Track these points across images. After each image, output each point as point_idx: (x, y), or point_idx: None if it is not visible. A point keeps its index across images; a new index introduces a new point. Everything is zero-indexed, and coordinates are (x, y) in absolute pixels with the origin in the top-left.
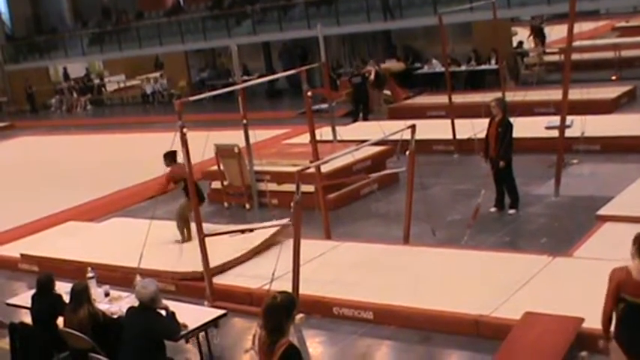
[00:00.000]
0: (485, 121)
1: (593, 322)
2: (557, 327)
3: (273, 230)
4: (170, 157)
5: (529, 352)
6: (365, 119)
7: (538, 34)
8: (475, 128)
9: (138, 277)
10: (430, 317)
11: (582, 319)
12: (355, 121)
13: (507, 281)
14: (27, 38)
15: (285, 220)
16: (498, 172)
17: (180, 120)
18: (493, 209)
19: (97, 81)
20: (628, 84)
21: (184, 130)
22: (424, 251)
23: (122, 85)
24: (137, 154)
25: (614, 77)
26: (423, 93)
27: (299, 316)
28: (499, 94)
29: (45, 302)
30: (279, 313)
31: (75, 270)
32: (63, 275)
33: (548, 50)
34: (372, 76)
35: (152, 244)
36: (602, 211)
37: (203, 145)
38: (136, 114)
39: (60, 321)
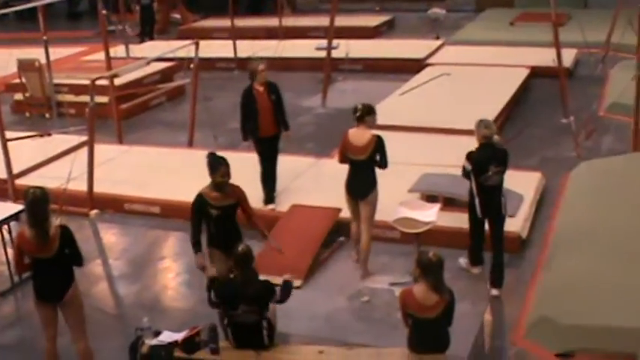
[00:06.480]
0: (266, 43)
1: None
2: (318, 216)
3: (73, 142)
4: None
5: (294, 238)
6: (151, 38)
7: None
8: (254, 48)
9: None
10: None
11: (340, 210)
12: (143, 41)
13: (278, 179)
14: None
15: (81, 127)
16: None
17: None
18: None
19: None
20: (388, 14)
21: None
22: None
23: None
24: None
25: (377, 8)
26: (209, 17)
27: (93, 212)
28: (276, 20)
29: None
30: (42, 204)
31: None
32: None
33: None
34: None
35: None
36: None
37: (7, 61)
38: None
39: None
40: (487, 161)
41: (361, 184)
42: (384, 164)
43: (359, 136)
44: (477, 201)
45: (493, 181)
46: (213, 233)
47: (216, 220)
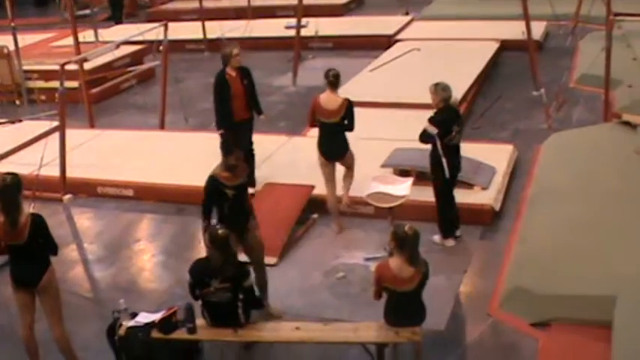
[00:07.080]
0: (235, 23)
1: (323, 189)
2: (292, 194)
3: (44, 128)
4: None
5: (268, 216)
6: (119, 22)
7: None
8: (223, 28)
9: None
10: (184, 191)
11: (313, 187)
12: (117, 23)
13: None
14: None
15: (52, 113)
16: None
17: None
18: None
19: None
20: None
21: None
22: (178, 136)
23: None
24: None
25: None
26: None
27: (66, 197)
28: None
29: None
30: (12, 191)
31: None
32: None
33: None
34: None
35: None
36: None
37: None
38: None
39: None
40: (450, 122)
41: (336, 146)
42: (351, 127)
43: (331, 100)
44: (444, 162)
45: (457, 140)
46: (227, 214)
47: (232, 200)
